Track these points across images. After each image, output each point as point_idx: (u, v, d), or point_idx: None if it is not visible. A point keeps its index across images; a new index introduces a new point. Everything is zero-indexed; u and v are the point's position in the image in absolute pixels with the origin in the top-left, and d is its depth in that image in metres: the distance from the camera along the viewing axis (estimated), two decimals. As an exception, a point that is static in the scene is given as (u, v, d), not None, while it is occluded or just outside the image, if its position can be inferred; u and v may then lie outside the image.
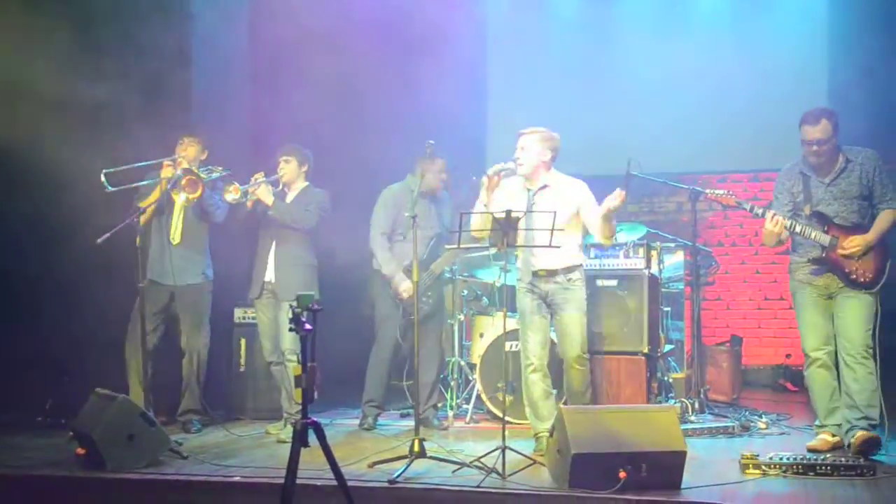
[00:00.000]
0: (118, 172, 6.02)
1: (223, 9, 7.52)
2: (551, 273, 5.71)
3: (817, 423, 5.72)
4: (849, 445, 5.39)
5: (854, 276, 5.44)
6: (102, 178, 5.93)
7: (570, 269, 5.73)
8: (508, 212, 5.21)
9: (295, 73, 7.71)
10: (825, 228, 5.48)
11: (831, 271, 5.50)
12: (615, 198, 5.39)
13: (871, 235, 5.43)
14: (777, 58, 8.83)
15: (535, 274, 5.72)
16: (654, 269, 6.76)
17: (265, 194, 6.28)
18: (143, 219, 6.02)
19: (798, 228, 5.48)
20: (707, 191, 5.96)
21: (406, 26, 8.08)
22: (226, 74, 7.47)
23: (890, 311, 5.49)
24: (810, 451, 5.42)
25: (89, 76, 6.19)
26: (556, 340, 5.94)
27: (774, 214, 5.49)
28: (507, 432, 5.08)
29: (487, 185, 5.61)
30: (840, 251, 5.43)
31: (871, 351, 5.41)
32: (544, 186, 5.74)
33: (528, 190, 5.76)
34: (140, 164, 6.20)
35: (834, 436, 5.56)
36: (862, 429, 5.35)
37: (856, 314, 5.44)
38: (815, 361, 5.60)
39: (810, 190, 5.57)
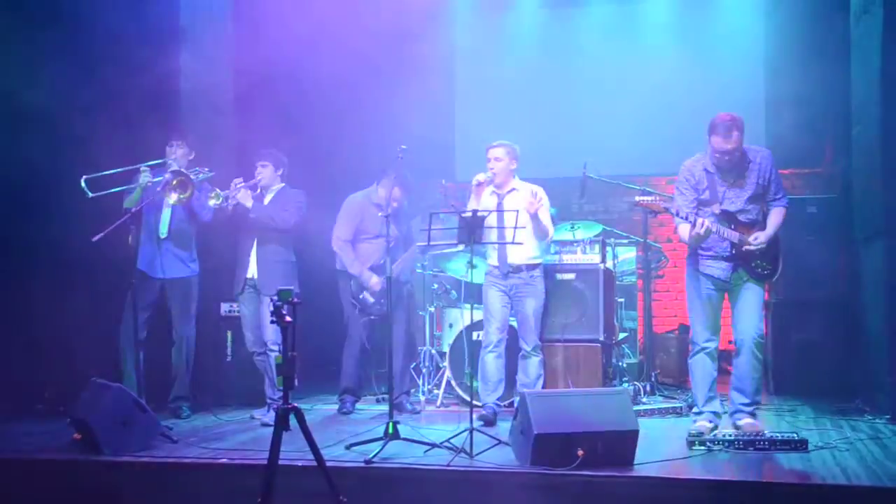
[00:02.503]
0: (102, 179, 5.90)
1: (211, 33, 7.41)
2: (516, 269, 6.00)
3: (695, 409, 5.57)
4: (736, 427, 5.30)
5: (759, 270, 5.33)
6: (83, 184, 5.84)
7: (532, 266, 6.05)
8: (475, 211, 5.34)
9: (279, 81, 7.61)
10: (732, 226, 5.31)
11: (741, 266, 5.34)
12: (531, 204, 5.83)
13: (770, 230, 5.31)
14: (719, 70, 8.93)
15: (505, 267, 5.98)
16: (609, 264, 6.79)
17: (245, 198, 6.25)
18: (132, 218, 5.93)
19: (715, 228, 5.24)
20: (637, 198, 5.64)
21: (384, 44, 8.02)
22: (212, 91, 7.36)
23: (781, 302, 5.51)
24: (692, 435, 5.07)
25: (89, 96, 6.26)
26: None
27: (703, 221, 5.20)
28: (474, 415, 5.06)
29: (476, 192, 5.95)
30: (746, 247, 5.29)
31: (763, 340, 5.36)
32: (512, 190, 6.08)
33: (498, 194, 6.09)
34: (119, 169, 6.04)
35: (711, 421, 5.39)
36: (749, 414, 5.34)
37: (752, 305, 5.35)
38: (702, 350, 5.46)
39: (716, 188, 5.33)
